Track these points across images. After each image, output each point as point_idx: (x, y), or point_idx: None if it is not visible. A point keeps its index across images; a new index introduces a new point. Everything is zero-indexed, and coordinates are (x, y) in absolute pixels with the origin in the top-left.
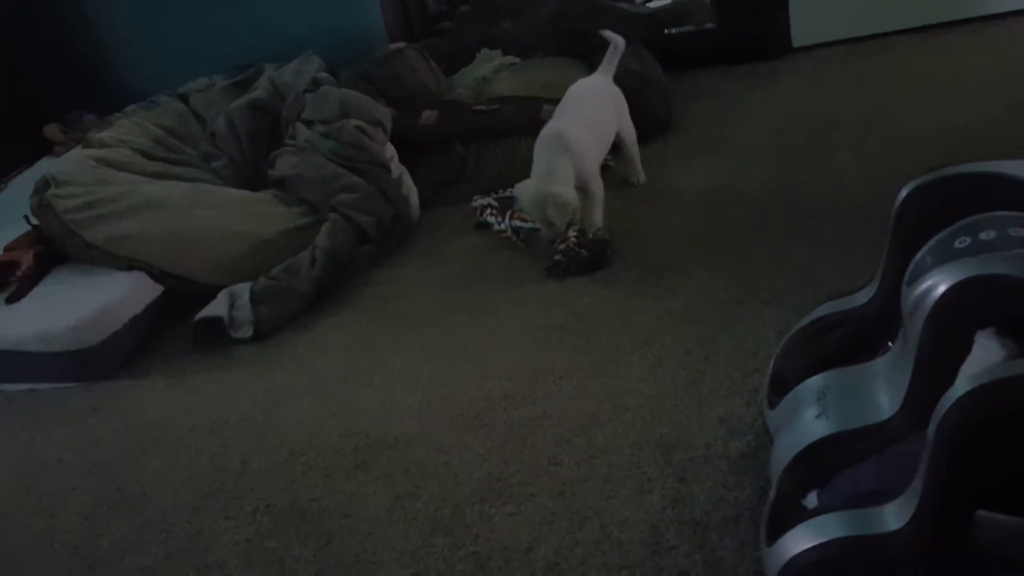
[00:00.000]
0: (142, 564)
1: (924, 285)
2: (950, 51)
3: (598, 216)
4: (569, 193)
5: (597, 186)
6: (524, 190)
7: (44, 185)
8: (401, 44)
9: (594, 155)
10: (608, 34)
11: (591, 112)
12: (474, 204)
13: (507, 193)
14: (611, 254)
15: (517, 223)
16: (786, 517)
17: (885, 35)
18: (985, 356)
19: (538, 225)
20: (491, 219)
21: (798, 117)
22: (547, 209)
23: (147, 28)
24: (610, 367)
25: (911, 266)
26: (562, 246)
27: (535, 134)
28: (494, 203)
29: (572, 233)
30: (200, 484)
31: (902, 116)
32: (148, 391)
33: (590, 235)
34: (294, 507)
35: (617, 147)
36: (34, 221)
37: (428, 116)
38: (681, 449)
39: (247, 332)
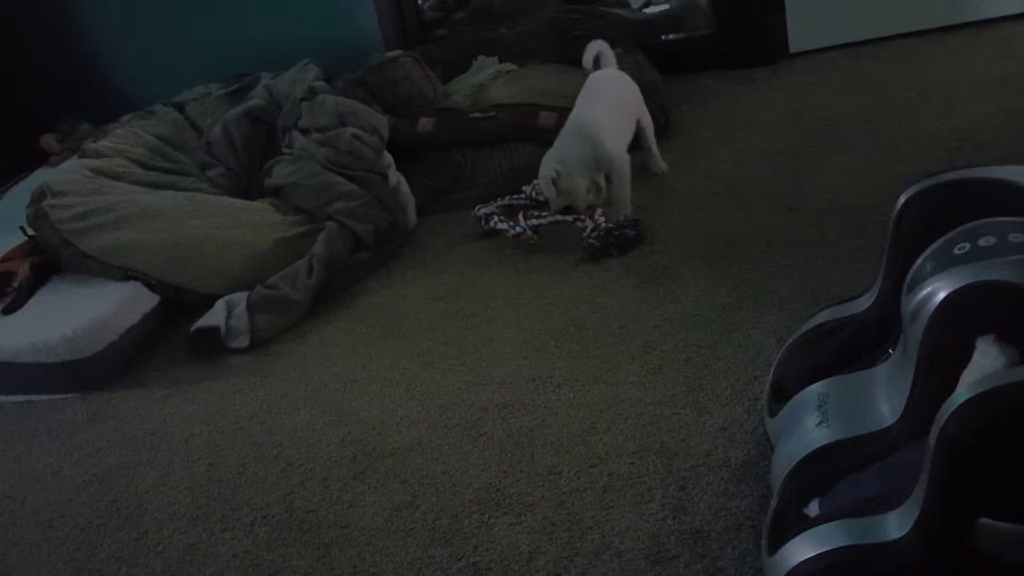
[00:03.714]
0: None
1: (924, 292)
2: (947, 55)
3: (626, 197)
4: (584, 170)
5: (623, 165)
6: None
7: (40, 195)
8: (397, 51)
9: (619, 134)
10: (593, 46)
11: (612, 95)
12: (477, 214)
13: (507, 201)
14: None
15: (534, 222)
16: (788, 526)
17: (881, 40)
18: (986, 363)
19: (558, 217)
20: (502, 225)
21: (796, 122)
22: (555, 175)
23: (143, 38)
24: (609, 375)
25: (911, 272)
26: (595, 233)
27: (532, 140)
28: (496, 211)
29: (599, 216)
30: (197, 495)
31: (900, 120)
32: (144, 401)
33: (621, 218)
34: (292, 518)
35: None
36: (30, 231)
37: (425, 123)
38: (681, 457)
39: (244, 342)
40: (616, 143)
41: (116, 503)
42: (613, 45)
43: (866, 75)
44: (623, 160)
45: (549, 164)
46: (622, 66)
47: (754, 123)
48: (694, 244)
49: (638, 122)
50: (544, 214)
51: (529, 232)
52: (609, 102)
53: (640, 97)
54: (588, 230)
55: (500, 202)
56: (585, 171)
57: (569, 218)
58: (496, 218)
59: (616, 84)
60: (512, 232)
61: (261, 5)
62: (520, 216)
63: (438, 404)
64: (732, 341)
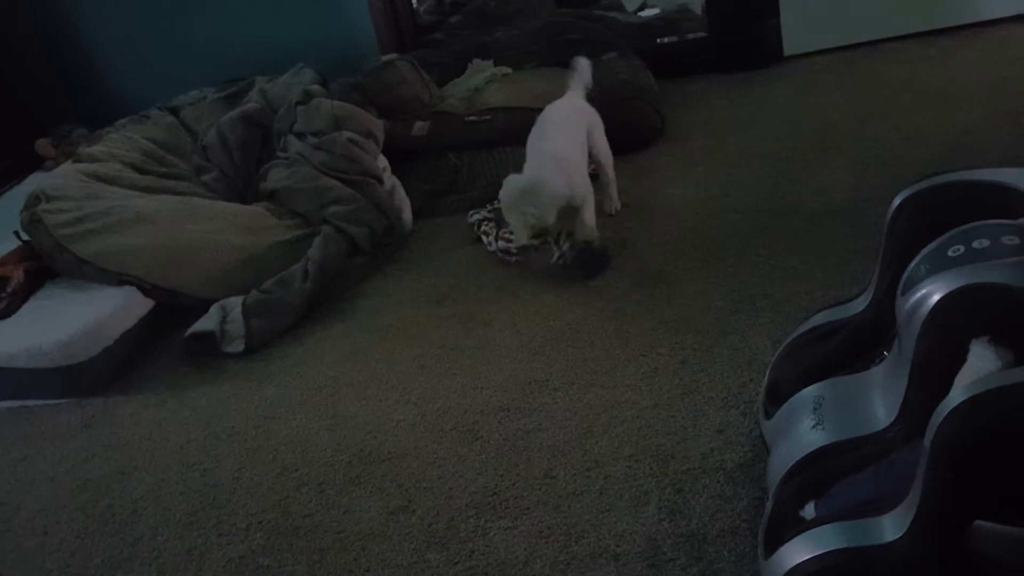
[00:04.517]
0: None
1: (918, 294)
2: (941, 58)
3: (592, 225)
4: (561, 190)
5: (589, 197)
6: (509, 183)
7: (34, 200)
8: (393, 55)
9: (583, 167)
10: (580, 61)
11: (574, 126)
12: (470, 220)
13: (500, 204)
14: (611, 260)
15: (503, 244)
16: (783, 528)
17: (876, 43)
18: (980, 365)
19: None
20: (485, 238)
21: (791, 125)
22: (529, 204)
23: (138, 42)
24: (605, 378)
25: (905, 275)
26: (562, 260)
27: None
28: (490, 216)
29: (564, 244)
30: (192, 500)
31: (894, 123)
32: (139, 406)
33: (591, 243)
34: (287, 523)
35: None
36: (24, 236)
37: (420, 127)
38: (677, 460)
39: (239, 346)
40: (583, 177)
41: (111, 509)
42: (608, 49)
43: (860, 78)
44: (590, 192)
45: (523, 209)
46: (617, 69)
47: (749, 126)
48: (689, 247)
49: (595, 154)
50: (511, 236)
51: (500, 254)
52: (570, 134)
53: (600, 127)
54: (555, 258)
55: (496, 205)
56: (557, 208)
57: (536, 242)
58: (485, 226)
59: (578, 116)
60: (489, 248)
61: (256, 9)
62: (494, 235)
63: (434, 408)
64: (728, 344)
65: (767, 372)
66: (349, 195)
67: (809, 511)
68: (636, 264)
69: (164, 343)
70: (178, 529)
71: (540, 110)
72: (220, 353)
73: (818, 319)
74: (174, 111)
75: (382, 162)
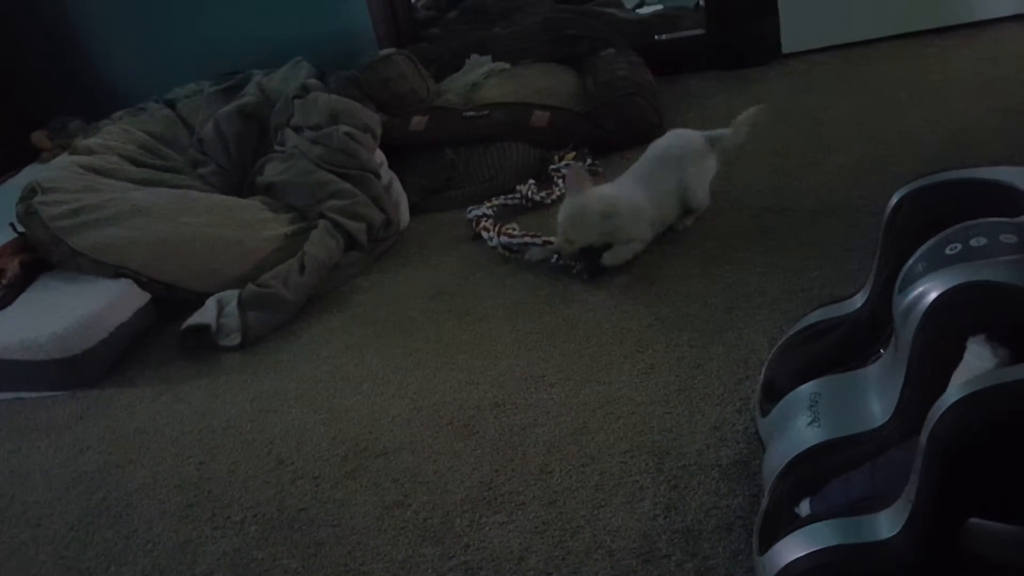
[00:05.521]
0: (128, 575)
1: (915, 292)
2: (939, 57)
3: None
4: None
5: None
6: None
7: (30, 192)
8: (390, 50)
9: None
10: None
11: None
12: (468, 216)
13: (501, 200)
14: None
15: (505, 239)
16: (778, 525)
17: (874, 41)
18: (977, 363)
19: (526, 240)
20: (485, 234)
21: (788, 123)
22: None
23: (134, 34)
24: (601, 374)
25: (902, 272)
26: (560, 261)
27: (525, 140)
28: (489, 212)
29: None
30: (187, 493)
31: (892, 121)
32: (134, 399)
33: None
34: (282, 516)
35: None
36: (20, 228)
37: (418, 122)
38: (673, 457)
39: (235, 340)
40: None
41: (106, 501)
42: (606, 45)
43: (858, 76)
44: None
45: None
46: (616, 65)
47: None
48: (686, 244)
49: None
50: (514, 232)
51: (501, 249)
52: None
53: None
54: (555, 259)
55: (495, 201)
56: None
57: (538, 241)
58: (484, 222)
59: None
60: (489, 244)
61: (254, 2)
62: (495, 231)
63: (430, 403)
64: (724, 341)
65: (763, 369)
66: (346, 190)
67: (804, 508)
68: (632, 261)
69: (160, 336)
70: (172, 522)
71: (538, 106)
72: (216, 347)
73: (814, 316)
74: (171, 104)
75: (379, 157)
